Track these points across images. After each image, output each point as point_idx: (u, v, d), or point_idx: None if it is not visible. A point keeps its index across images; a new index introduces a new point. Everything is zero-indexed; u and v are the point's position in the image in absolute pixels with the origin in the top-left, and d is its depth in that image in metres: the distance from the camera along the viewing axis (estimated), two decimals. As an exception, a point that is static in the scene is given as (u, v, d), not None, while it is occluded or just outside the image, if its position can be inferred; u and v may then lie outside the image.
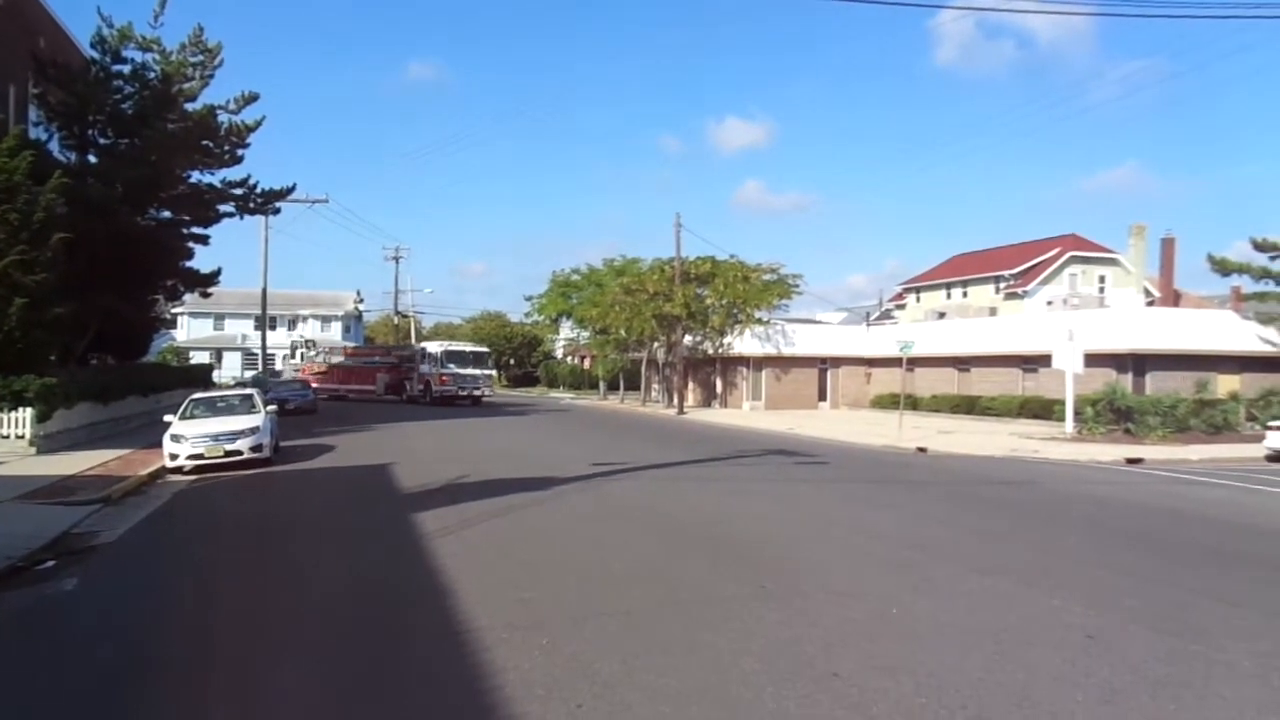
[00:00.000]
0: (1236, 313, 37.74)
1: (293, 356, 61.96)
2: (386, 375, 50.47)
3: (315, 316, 75.96)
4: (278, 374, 53.01)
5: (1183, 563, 9.78)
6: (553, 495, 14.16)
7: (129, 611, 7.91)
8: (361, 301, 79.29)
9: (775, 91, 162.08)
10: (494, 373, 49.41)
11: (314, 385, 49.48)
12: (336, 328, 77.32)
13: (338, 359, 55.01)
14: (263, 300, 43.15)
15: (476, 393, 46.26)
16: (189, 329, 71.40)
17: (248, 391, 21.84)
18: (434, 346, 49.23)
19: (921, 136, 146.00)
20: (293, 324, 74.76)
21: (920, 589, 8.24)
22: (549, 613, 7.38)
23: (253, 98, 27.43)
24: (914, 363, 35.61)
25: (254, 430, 18.38)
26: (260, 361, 48.75)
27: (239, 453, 17.93)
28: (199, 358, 62.89)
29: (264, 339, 45.38)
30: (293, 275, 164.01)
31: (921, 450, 24.63)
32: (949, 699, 5.46)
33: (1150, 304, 49.41)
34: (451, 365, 45.76)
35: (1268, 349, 33.45)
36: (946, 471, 19.13)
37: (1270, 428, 24.58)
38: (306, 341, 61.34)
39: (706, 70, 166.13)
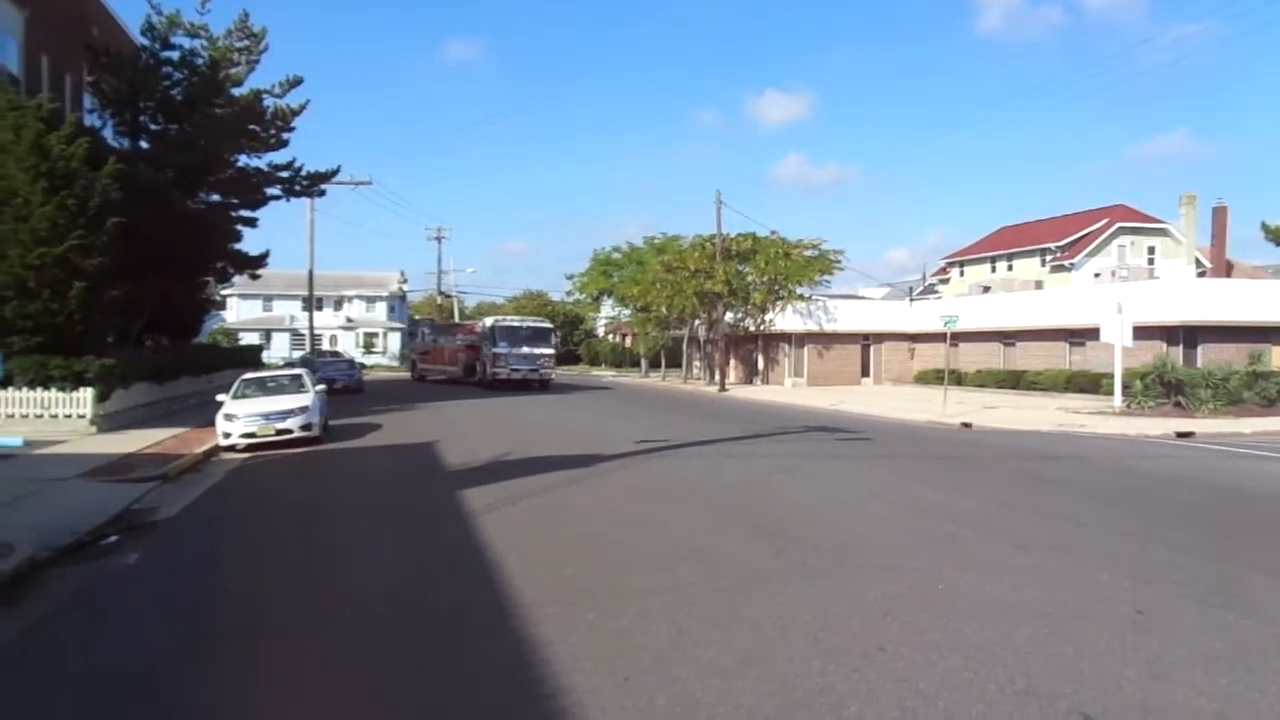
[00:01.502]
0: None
1: (414, 338, 60.88)
2: (464, 355, 44.79)
3: (360, 297, 76.94)
4: (324, 353, 53.79)
5: (1235, 537, 9.63)
6: (595, 473, 14.28)
7: (190, 586, 8.16)
8: (405, 282, 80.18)
9: (815, 63, 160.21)
10: (553, 351, 43.30)
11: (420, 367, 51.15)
12: (381, 308, 78.25)
13: (440, 339, 50.40)
14: (309, 281, 43.80)
15: (536, 375, 40.47)
16: (238, 310, 72.74)
17: (297, 371, 22.23)
18: (489, 321, 43.79)
19: (965, 107, 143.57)
20: (339, 305, 75.84)
21: (965, 564, 8.21)
22: (593, 588, 7.49)
23: (297, 81, 27.75)
24: (958, 337, 35.24)
25: (304, 409, 18.73)
26: (308, 341, 49.52)
27: (289, 431, 18.29)
28: (248, 339, 64.10)
29: (311, 319, 46.10)
30: (338, 256, 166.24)
31: (966, 425, 24.41)
32: (997, 673, 5.47)
33: (1201, 275, 48.27)
34: (504, 344, 39.88)
35: (1327, 320, 32.63)
36: (991, 446, 18.94)
37: (1328, 400, 24.02)
38: (430, 322, 60.18)
39: (745, 43, 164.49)
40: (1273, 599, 7.07)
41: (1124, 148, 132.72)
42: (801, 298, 46.12)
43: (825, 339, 46.65)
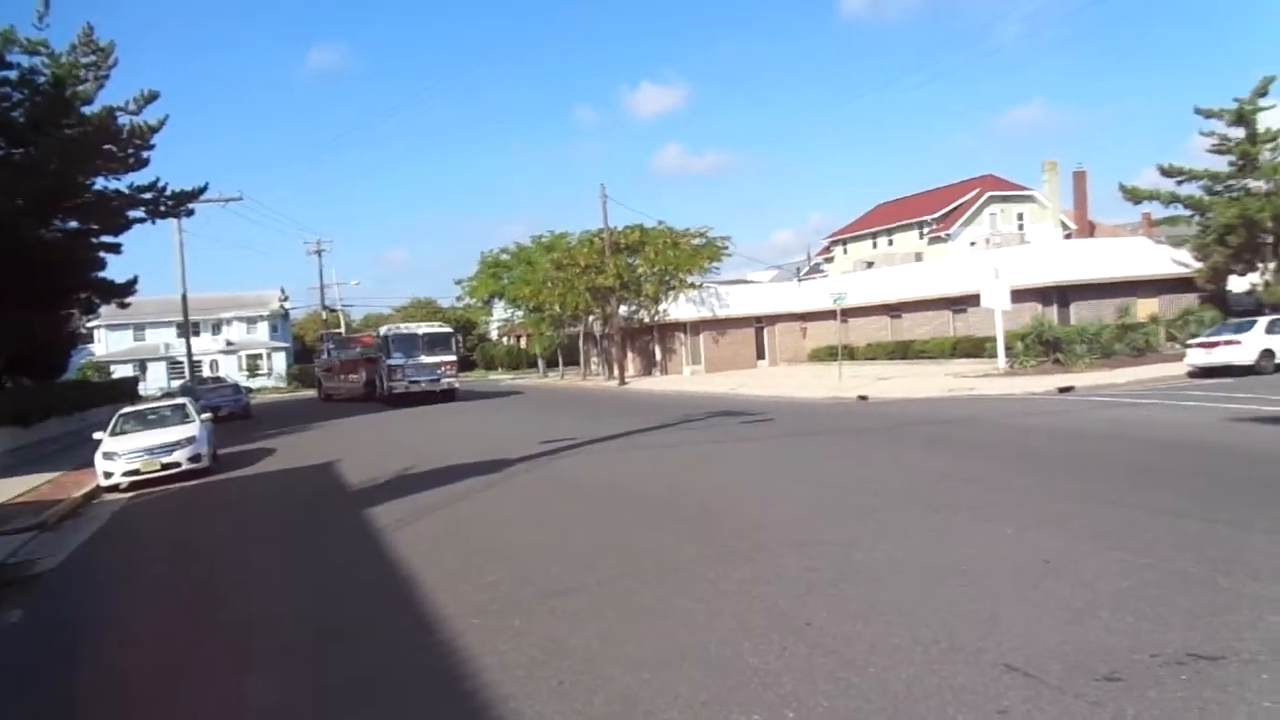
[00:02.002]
0: (1149, 238, 39.06)
1: (322, 354, 53.55)
2: (365, 369, 41.07)
3: (240, 319, 74.06)
4: (206, 380, 51.55)
5: (1120, 482, 10.10)
6: (504, 477, 14.07)
7: (83, 641, 7.62)
8: (286, 299, 77.52)
9: (687, 54, 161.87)
10: (455, 358, 39.31)
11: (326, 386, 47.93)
12: (263, 328, 75.52)
13: (342, 354, 46.45)
14: (183, 306, 41.93)
15: (439, 386, 36.81)
16: (108, 342, 69.04)
17: (180, 401, 21.19)
18: (382, 330, 40.64)
19: (836, 90, 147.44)
20: (217, 328, 72.84)
21: (879, 533, 8.38)
22: (517, 594, 7.34)
23: (153, 96, 26.35)
24: (848, 313, 36.17)
25: (190, 440, 17.86)
26: (187, 369, 47.42)
27: (177, 464, 17.41)
28: (121, 371, 61.05)
29: (189, 346, 44.17)
30: (214, 278, 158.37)
31: (863, 398, 25.07)
32: (922, 634, 5.58)
33: (1067, 236, 50.82)
34: (399, 354, 36.40)
35: (1181, 270, 34.72)
36: (889, 417, 19.49)
37: (1189, 346, 25.60)
38: (334, 335, 55.03)
39: (616, 37, 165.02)
40: (1165, 537, 7.44)
41: (987, 119, 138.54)
42: (693, 286, 46.60)
43: (719, 325, 47.26)
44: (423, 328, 39.53)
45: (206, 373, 62.73)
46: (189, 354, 44.51)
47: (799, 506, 10.12)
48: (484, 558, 8.74)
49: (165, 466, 17.25)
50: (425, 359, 36.55)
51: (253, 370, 71.78)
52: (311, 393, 64.33)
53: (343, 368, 45.01)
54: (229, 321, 73.60)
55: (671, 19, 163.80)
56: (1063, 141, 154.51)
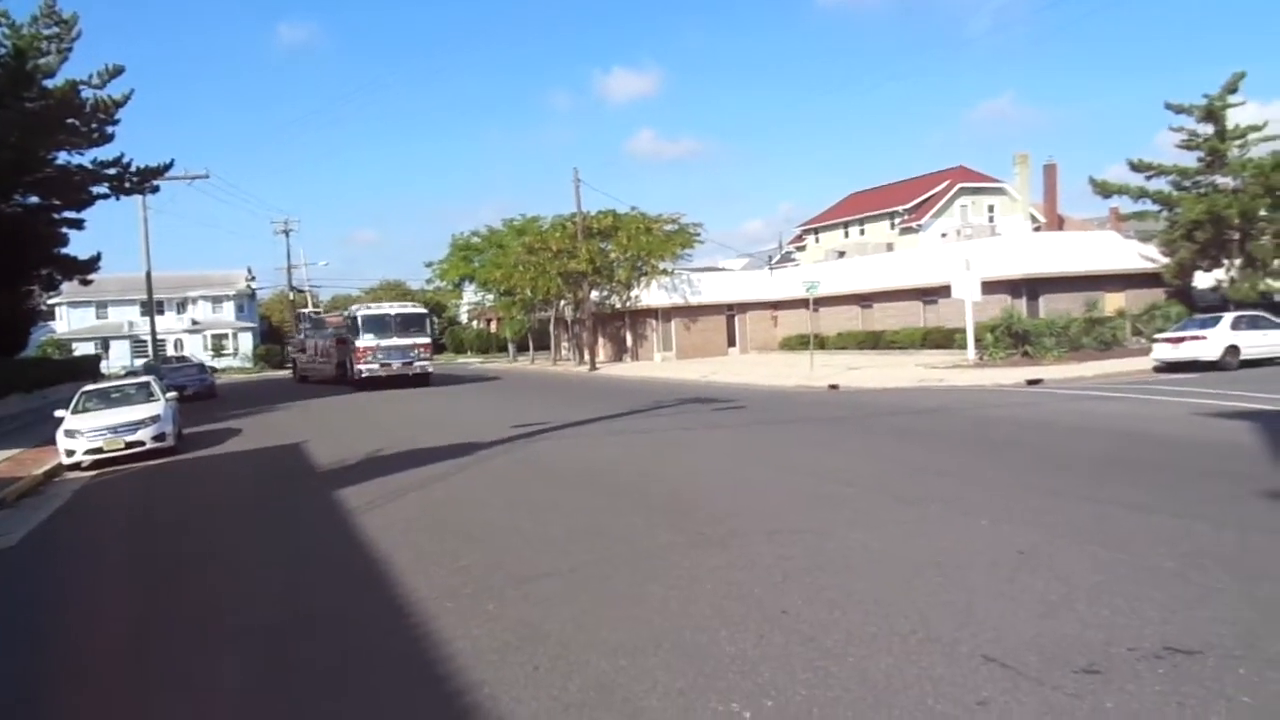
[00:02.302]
0: (1117, 233, 39.53)
1: (297, 333, 52.22)
2: (337, 350, 39.10)
3: (206, 298, 72.99)
4: (170, 359, 50.71)
5: (1093, 476, 10.19)
6: (475, 461, 13.96)
7: (44, 619, 7.46)
8: (254, 279, 76.48)
9: (661, 40, 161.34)
10: (430, 340, 37.08)
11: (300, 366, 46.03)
12: (229, 308, 74.50)
13: (315, 334, 44.83)
14: (148, 283, 41.16)
15: (412, 369, 34.92)
16: (69, 320, 67.75)
17: (144, 379, 20.81)
18: (352, 310, 38.81)
19: (809, 81, 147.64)
20: (181, 307, 71.77)
21: (853, 522, 8.39)
22: (490, 578, 7.27)
23: (118, 70, 25.83)
24: (819, 302, 36.23)
25: (155, 419, 17.56)
26: (151, 348, 46.62)
27: (141, 444, 17.12)
28: (83, 349, 60.05)
29: (153, 324, 43.40)
30: (179, 256, 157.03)
31: (834, 387, 25.16)
32: (898, 625, 5.58)
33: (1036, 229, 51.24)
34: (370, 335, 34.56)
35: (1148, 265, 35.21)
36: (860, 406, 19.57)
37: (1156, 341, 25.95)
38: (311, 315, 52.06)
39: (589, 21, 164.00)
40: (1138, 531, 7.49)
41: (958, 112, 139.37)
42: (665, 272, 46.55)
43: (691, 312, 47.26)
44: (395, 308, 37.71)
45: (171, 352, 61.88)
46: (153, 332, 43.70)
47: (772, 495, 10.11)
48: (457, 541, 8.65)
49: (129, 445, 16.96)
50: (398, 341, 34.69)
51: (218, 350, 70.83)
52: (280, 374, 63.82)
53: (316, 348, 43.50)
54: (194, 301, 72.54)
55: (645, 4, 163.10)
56: (1033, 136, 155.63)
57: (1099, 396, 19.13)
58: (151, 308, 42.99)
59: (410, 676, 5.37)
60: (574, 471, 12.57)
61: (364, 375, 34.19)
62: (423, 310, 38.38)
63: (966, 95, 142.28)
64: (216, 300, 73.69)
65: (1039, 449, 12.47)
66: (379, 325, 35.00)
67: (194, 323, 72.19)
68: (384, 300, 55.61)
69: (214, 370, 45.90)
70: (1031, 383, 23.47)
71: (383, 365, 34.19)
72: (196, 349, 67.77)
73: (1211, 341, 24.28)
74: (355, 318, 35.70)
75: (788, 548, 7.56)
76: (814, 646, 5.33)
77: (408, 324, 35.64)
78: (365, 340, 34.40)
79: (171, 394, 19.55)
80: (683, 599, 6.41)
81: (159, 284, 44.04)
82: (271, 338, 78.09)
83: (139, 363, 54.41)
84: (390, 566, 7.80)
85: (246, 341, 73.95)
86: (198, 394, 34.89)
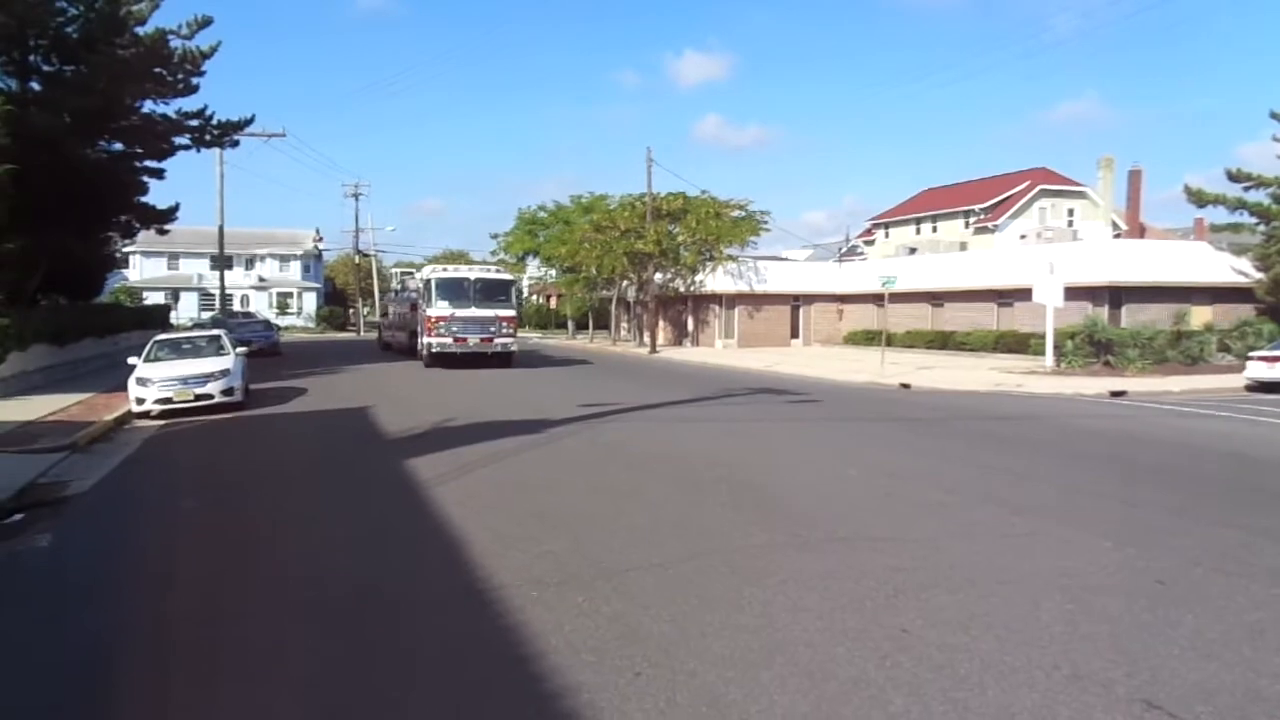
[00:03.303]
0: (1209, 244, 37.86)
1: (392, 294, 45.92)
2: (410, 319, 34.51)
3: (274, 256, 73.85)
4: (236, 314, 51.35)
5: (1224, 500, 9.46)
6: (546, 439, 13.58)
7: (114, 572, 7.21)
8: (321, 240, 77.24)
9: (733, 24, 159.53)
10: (515, 313, 31.51)
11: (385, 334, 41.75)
12: (296, 267, 75.33)
13: (400, 300, 39.19)
14: (219, 238, 41.64)
15: (493, 347, 29.16)
16: (142, 269, 69.04)
17: (215, 332, 20.84)
18: (424, 274, 32.18)
19: (881, 71, 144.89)
20: (250, 263, 72.73)
21: (962, 533, 7.82)
22: (576, 567, 6.85)
23: (206, 21, 25.79)
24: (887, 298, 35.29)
25: (225, 373, 17.51)
26: (218, 302, 47.26)
27: (209, 396, 17.08)
28: (153, 298, 61.01)
29: (222, 278, 43.95)
30: (249, 213, 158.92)
31: (905, 386, 24.38)
32: (1038, 656, 5.03)
33: (1117, 236, 49.48)
34: (443, 302, 28.93)
35: (1239, 280, 33.59)
36: (940, 408, 18.83)
37: (1250, 358, 24.68)
38: (402, 275, 45.43)
39: (663, 2, 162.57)
40: (1285, 565, 6.83)
41: (1033, 113, 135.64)
42: (732, 258, 45.83)
43: (755, 300, 46.48)
44: (475, 271, 32.14)
45: (237, 307, 62.75)
46: (222, 286, 44.26)
47: (866, 498, 9.55)
48: (536, 524, 8.25)
49: (198, 397, 16.92)
50: (476, 311, 29.00)
51: (283, 308, 71.71)
52: (343, 335, 64.55)
53: (396, 315, 39.13)
54: (262, 258, 73.43)
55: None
56: (1111, 141, 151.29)
57: (1195, 414, 18.14)
58: (221, 262, 43.50)
59: (501, 674, 4.97)
60: (650, 458, 12.11)
61: (434, 350, 28.80)
62: (508, 277, 32.35)
63: (1043, 96, 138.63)
64: (284, 259, 74.53)
65: (1146, 465, 11.72)
66: (455, 291, 29.37)
67: (261, 280, 73.15)
68: (461, 265, 46.74)
69: (278, 329, 46.30)
70: (1115, 394, 22.46)
71: (457, 339, 28.73)
72: (262, 306, 68.70)
73: (1311, 363, 22.99)
74: (429, 281, 29.94)
75: (896, 558, 7.03)
76: (947, 675, 4.81)
77: (490, 292, 29.81)
78: (438, 308, 28.84)
79: (242, 349, 19.52)
80: (788, 608, 5.92)
81: (230, 239, 44.55)
82: (335, 299, 78.92)
83: (206, 315, 55.31)
84: (467, 547, 7.43)
85: (310, 301, 74.78)
86: (262, 350, 35.11)
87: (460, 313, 28.81)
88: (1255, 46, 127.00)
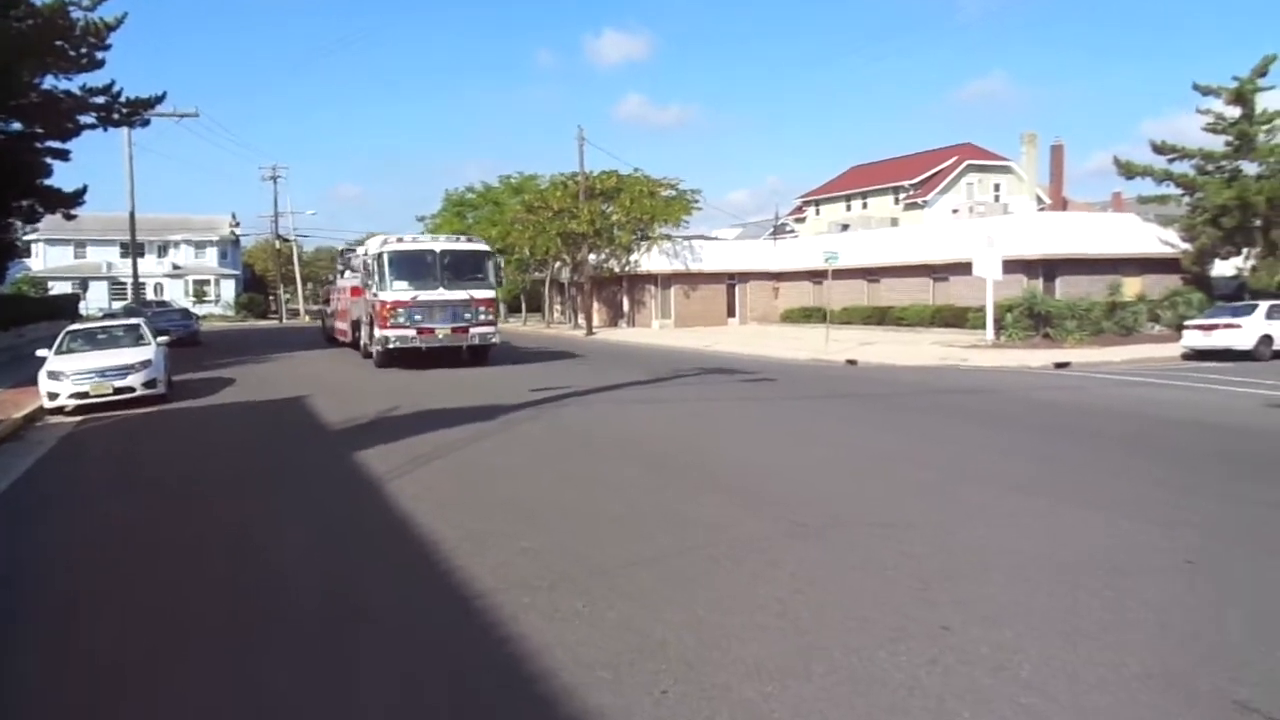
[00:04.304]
0: (1137, 216, 38.63)
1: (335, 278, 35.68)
2: (351, 305, 28.03)
3: (189, 242, 70.73)
4: (150, 303, 48.90)
5: (1207, 471, 9.26)
6: (502, 425, 12.86)
7: (25, 591, 6.34)
8: (238, 225, 74.32)
9: (653, 3, 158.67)
10: (494, 294, 24.62)
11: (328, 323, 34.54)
12: (212, 254, 72.35)
13: (344, 282, 30.81)
14: (131, 223, 39.39)
15: (468, 340, 22.64)
16: (45, 257, 65.43)
17: (134, 321, 19.51)
18: (373, 247, 24.44)
19: (798, 54, 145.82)
20: (163, 250, 69.57)
21: (964, 515, 7.40)
22: (564, 566, 6.21)
23: (110, -10, 24.17)
24: (823, 276, 35.16)
25: (146, 363, 16.31)
26: (130, 290, 44.93)
27: (130, 389, 15.88)
28: (59, 288, 57.91)
29: (134, 266, 41.62)
30: (162, 197, 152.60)
31: (851, 362, 24.20)
32: (1096, 652, 4.58)
33: (1041, 210, 50.37)
34: (401, 282, 22.17)
35: (1166, 251, 34.27)
36: (894, 383, 18.60)
37: (1186, 328, 25.12)
38: (344, 250, 35.55)
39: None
40: (1308, 537, 6.56)
41: (946, 92, 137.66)
42: (667, 238, 45.32)
43: (691, 279, 46.08)
44: (441, 242, 24.56)
45: (151, 296, 59.97)
46: (134, 274, 41.93)
47: (851, 479, 9.10)
48: (508, 519, 7.58)
49: (118, 390, 15.73)
50: (445, 294, 22.32)
51: (200, 296, 68.84)
52: (264, 324, 62.30)
53: (339, 301, 32.22)
54: (176, 244, 70.30)
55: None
56: (1026, 118, 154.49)
57: (1143, 383, 18.24)
58: (134, 248, 41.20)
59: (509, 700, 4.32)
60: (615, 442, 11.51)
61: (391, 345, 21.94)
62: (483, 246, 24.86)
63: (956, 75, 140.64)
64: (199, 245, 71.49)
65: (1125, 437, 11.54)
66: (415, 267, 22.56)
67: (175, 267, 70.09)
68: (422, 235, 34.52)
69: (197, 317, 44.25)
70: (1059, 365, 22.61)
71: (421, 331, 21.96)
72: (177, 294, 65.84)
73: (1246, 331, 23.45)
74: (379, 256, 22.71)
75: (906, 544, 6.55)
76: (1008, 679, 4.32)
77: (461, 267, 23.03)
78: (394, 291, 22.02)
79: (163, 338, 18.30)
80: (810, 605, 5.38)
81: (141, 225, 42.22)
82: (254, 286, 76.18)
83: (118, 305, 52.69)
84: (439, 547, 6.72)
85: (229, 289, 71.99)
86: (181, 340, 33.34)
87: (424, 295, 22.02)
88: (1162, 23, 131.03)
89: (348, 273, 29.36)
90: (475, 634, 5.09)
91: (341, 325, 30.30)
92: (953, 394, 16.53)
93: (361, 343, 25.18)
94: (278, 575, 6.43)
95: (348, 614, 5.57)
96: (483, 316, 22.80)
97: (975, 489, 8.38)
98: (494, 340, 23.34)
